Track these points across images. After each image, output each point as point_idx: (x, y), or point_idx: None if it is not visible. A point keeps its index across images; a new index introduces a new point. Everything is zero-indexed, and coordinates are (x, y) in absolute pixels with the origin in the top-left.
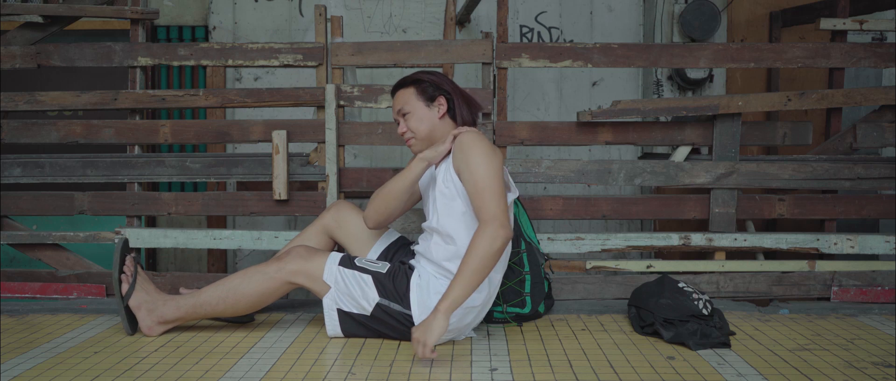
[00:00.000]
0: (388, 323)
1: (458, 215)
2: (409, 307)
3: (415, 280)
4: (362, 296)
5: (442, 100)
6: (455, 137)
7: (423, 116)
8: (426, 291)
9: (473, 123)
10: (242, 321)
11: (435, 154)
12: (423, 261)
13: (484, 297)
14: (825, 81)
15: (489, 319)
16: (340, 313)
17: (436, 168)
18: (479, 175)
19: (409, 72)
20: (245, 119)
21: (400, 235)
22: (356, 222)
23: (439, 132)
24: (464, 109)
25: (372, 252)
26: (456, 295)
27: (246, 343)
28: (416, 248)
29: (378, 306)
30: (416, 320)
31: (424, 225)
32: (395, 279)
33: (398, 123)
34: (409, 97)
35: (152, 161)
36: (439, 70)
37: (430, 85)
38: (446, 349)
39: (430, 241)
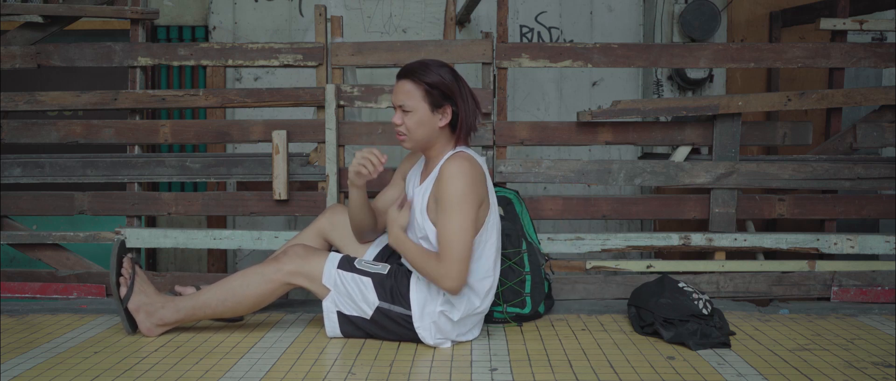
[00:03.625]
0: (388, 327)
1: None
2: (409, 308)
3: (415, 281)
4: (362, 299)
5: (448, 110)
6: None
7: (425, 120)
8: (426, 291)
9: (475, 126)
10: (233, 321)
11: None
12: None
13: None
14: (825, 81)
15: (489, 319)
16: (340, 315)
17: (415, 188)
18: (451, 227)
19: None
20: (245, 119)
21: None
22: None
23: (433, 141)
24: (470, 117)
25: (368, 253)
26: (408, 249)
27: (246, 343)
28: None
29: (378, 309)
30: (416, 321)
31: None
32: (396, 279)
33: (395, 111)
34: (415, 96)
35: (152, 161)
36: (451, 65)
37: (439, 93)
38: (446, 349)
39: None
